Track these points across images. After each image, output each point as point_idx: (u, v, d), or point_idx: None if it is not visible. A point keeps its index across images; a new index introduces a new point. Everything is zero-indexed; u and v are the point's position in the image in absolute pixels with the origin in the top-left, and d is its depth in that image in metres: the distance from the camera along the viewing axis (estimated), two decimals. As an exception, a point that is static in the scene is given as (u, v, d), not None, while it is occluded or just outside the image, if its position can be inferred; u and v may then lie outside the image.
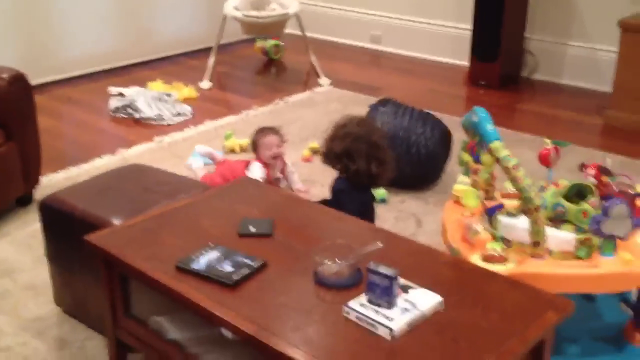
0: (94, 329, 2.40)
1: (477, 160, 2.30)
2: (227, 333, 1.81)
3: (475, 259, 2.09)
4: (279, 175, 3.46)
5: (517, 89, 5.29)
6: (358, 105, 4.66)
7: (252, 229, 2.09)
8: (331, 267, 1.83)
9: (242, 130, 4.31)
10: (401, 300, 1.72)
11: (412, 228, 3.20)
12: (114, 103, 4.67)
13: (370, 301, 1.71)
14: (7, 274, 2.78)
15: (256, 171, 3.35)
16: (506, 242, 2.18)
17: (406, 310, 1.69)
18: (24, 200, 3.34)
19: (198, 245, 1.98)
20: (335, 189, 2.69)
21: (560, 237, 2.15)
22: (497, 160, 2.13)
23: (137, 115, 4.56)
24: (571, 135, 4.17)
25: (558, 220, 2.22)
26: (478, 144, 2.25)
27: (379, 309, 1.69)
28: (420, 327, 1.67)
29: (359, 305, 1.71)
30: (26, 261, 2.85)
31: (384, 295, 1.70)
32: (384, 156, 2.64)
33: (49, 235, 2.43)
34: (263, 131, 3.45)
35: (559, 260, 2.12)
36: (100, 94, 4.99)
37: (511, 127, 4.31)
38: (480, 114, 2.20)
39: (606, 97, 4.72)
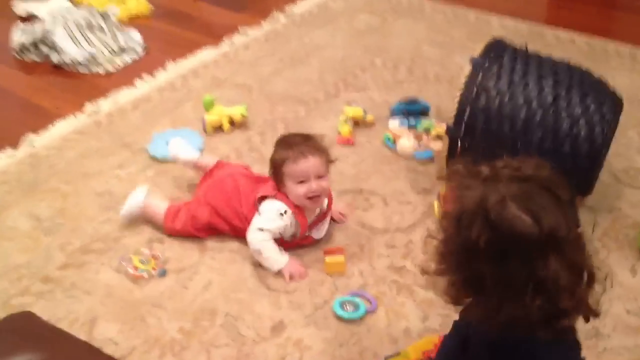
0: None
1: None
2: None
3: None
4: (314, 217, 1.84)
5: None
6: (403, 17, 3.00)
7: None
8: None
9: (226, 79, 2.66)
10: None
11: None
12: (18, 37, 2.94)
13: None
14: None
15: (272, 218, 1.76)
16: None
17: None
18: None
19: None
20: None
21: None
22: None
23: (55, 58, 2.84)
24: None
25: None
26: None
27: None
28: None
29: None
30: None
31: None
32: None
33: None
34: (290, 146, 1.76)
35: None
36: (2, 16, 3.26)
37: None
38: None
39: None
